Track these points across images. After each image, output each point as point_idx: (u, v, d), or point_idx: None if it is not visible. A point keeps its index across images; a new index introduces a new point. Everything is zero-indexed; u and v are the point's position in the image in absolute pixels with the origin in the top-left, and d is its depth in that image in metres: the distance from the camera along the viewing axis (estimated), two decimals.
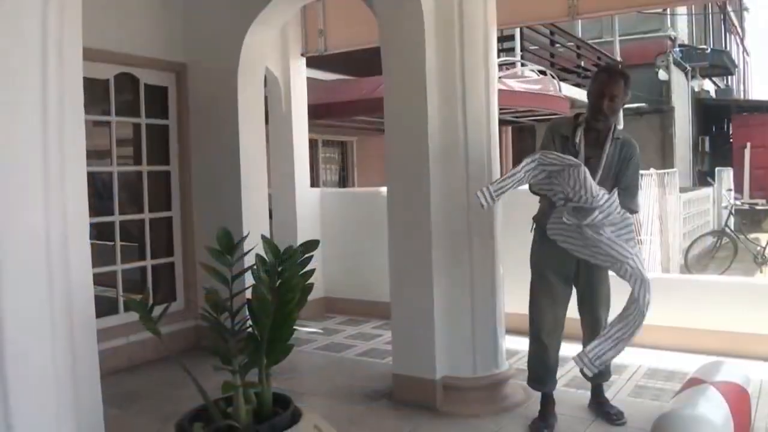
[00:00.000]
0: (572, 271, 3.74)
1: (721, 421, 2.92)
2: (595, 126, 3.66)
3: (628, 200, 3.61)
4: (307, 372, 5.00)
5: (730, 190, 14.30)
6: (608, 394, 4.17)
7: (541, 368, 3.84)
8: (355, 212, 6.94)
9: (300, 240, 6.31)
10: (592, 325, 3.83)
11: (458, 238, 4.15)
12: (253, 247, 2.62)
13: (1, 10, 1.86)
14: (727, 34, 29.77)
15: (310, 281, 2.54)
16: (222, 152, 5.52)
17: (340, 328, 6.34)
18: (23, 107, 1.95)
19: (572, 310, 3.86)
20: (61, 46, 2.12)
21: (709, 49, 22.26)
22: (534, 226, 3.87)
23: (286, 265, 2.37)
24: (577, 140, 3.64)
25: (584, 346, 3.71)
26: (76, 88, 2.31)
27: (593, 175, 3.50)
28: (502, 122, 7.56)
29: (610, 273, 3.70)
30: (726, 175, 15.09)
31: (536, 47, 12.32)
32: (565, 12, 5.39)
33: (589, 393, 4.07)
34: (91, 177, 3.32)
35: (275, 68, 6.59)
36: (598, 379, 3.93)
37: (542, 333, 3.78)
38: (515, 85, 9.80)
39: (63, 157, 2.11)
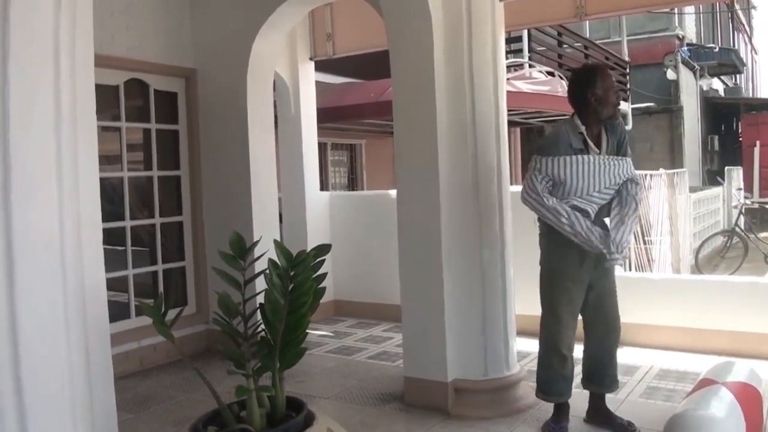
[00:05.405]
0: (587, 274, 3.63)
1: (733, 422, 2.91)
2: (609, 122, 3.68)
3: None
4: (318, 375, 5.01)
5: (740, 189, 14.23)
6: (620, 395, 4.17)
7: (561, 381, 3.73)
8: (364, 215, 6.96)
9: (310, 243, 6.41)
10: (609, 322, 3.73)
11: (468, 241, 4.15)
12: (266, 251, 2.63)
13: (14, 18, 1.87)
14: (735, 33, 29.67)
15: (321, 285, 2.55)
16: (232, 156, 5.55)
17: (350, 331, 6.35)
18: (37, 114, 1.97)
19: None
20: (74, 53, 2.13)
21: (717, 48, 22.18)
22: (539, 227, 3.78)
23: (299, 270, 2.38)
24: (591, 144, 3.63)
25: (588, 346, 3.80)
26: (89, 94, 2.33)
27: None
28: (511, 123, 7.56)
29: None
30: (735, 174, 15.02)
31: (544, 48, 12.31)
32: (573, 13, 5.38)
33: None
34: (102, 182, 3.35)
35: (284, 72, 6.62)
36: (608, 389, 3.80)
37: (563, 346, 3.67)
38: (523, 86, 9.79)
39: (76, 162, 2.13)
